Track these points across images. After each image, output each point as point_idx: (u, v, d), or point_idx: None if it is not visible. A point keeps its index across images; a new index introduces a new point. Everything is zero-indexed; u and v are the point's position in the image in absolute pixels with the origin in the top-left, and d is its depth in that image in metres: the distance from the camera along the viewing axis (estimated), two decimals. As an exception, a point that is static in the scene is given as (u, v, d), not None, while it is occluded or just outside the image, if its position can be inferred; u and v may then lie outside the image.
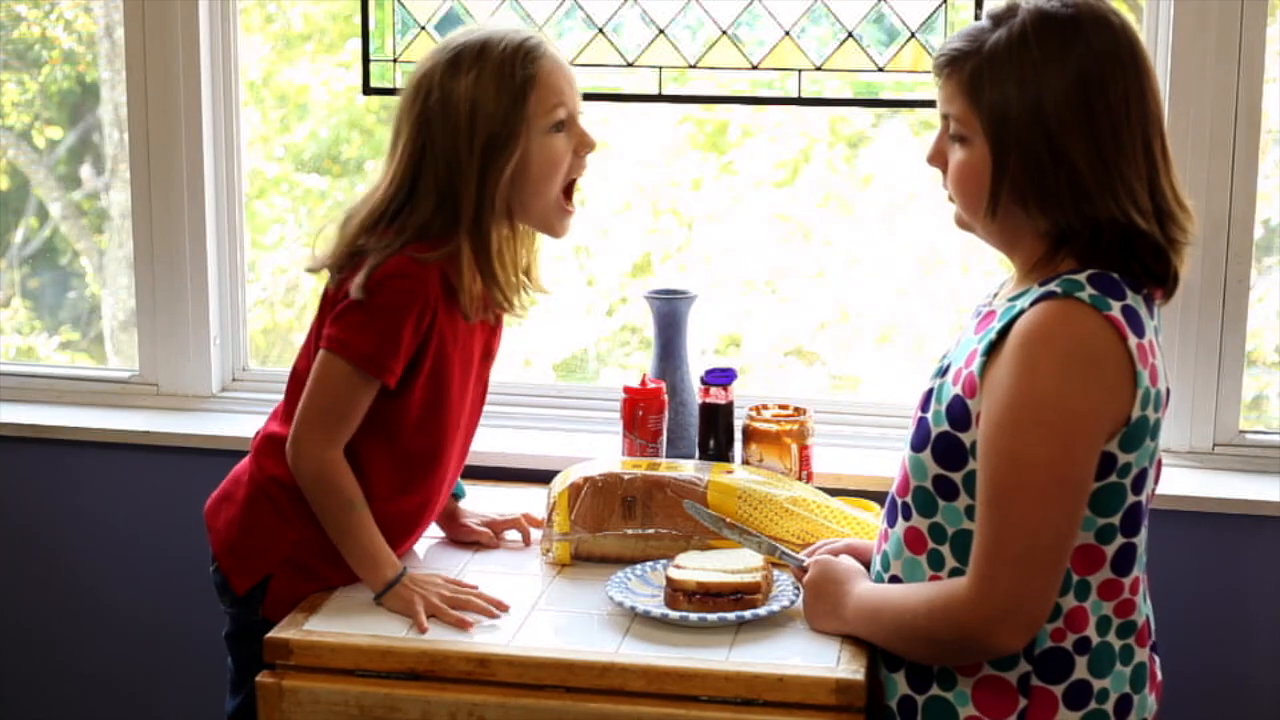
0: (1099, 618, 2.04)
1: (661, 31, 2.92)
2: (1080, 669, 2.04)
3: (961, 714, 2.06)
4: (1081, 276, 1.98)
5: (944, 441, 2.04)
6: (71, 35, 3.35)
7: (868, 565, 2.26)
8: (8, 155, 3.42)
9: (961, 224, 2.11)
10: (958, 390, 2.03)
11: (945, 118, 2.05)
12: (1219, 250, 2.82)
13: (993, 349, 1.99)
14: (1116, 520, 2.01)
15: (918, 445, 2.08)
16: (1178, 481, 2.81)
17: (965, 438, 2.01)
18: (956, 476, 2.03)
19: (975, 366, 2.00)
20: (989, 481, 1.96)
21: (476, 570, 2.47)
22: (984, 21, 2.03)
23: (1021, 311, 1.97)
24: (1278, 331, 3.03)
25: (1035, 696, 2.04)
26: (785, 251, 3.25)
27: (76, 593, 3.23)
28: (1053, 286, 1.97)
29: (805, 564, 2.29)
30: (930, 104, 2.89)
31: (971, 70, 1.99)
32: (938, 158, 2.08)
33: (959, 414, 2.02)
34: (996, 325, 2.00)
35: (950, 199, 2.10)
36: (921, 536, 2.09)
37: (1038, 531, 1.94)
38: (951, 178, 2.06)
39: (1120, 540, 2.02)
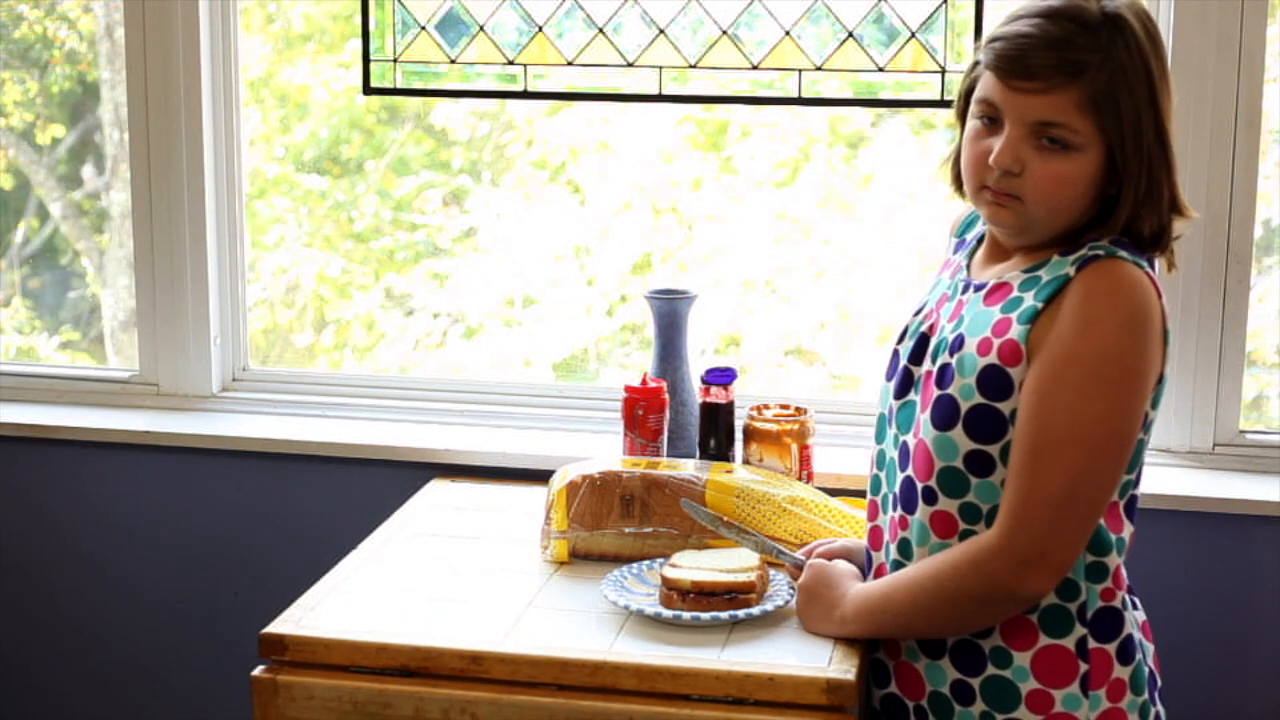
0: (1126, 571, 2.12)
1: (662, 31, 2.92)
2: (1128, 625, 2.09)
3: (1024, 689, 2.07)
4: (1105, 241, 2.03)
5: (977, 413, 2.04)
6: (72, 35, 3.36)
7: (862, 567, 2.26)
8: (8, 155, 3.42)
9: (1015, 226, 2.06)
10: (991, 360, 2.02)
11: (1042, 124, 2.00)
12: (1219, 250, 2.81)
13: (1036, 316, 2.00)
14: (1135, 475, 2.08)
15: (943, 423, 2.07)
16: (1178, 481, 2.81)
17: (1004, 407, 2.02)
18: (994, 449, 2.04)
19: (1016, 335, 2.01)
20: (1037, 432, 1.98)
21: (473, 568, 2.47)
22: (1053, 22, 1.99)
23: (1067, 278, 1.99)
24: (1278, 331, 3.02)
25: (1093, 659, 2.07)
26: (785, 251, 3.24)
27: (76, 592, 3.23)
28: (1094, 251, 2.01)
29: (803, 564, 2.29)
30: (930, 104, 2.89)
31: (1104, 83, 1.98)
32: (1017, 163, 2.02)
33: (997, 383, 2.02)
34: (1029, 295, 2.02)
35: (1002, 200, 2.05)
36: (951, 519, 2.09)
37: (1080, 482, 1.98)
38: (1043, 186, 2.02)
39: (1131, 492, 2.09)
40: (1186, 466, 2.87)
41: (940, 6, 2.83)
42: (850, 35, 2.86)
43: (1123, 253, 2.01)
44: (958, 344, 2.08)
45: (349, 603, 2.32)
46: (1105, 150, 2.01)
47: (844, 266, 3.26)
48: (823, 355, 3.28)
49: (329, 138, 3.36)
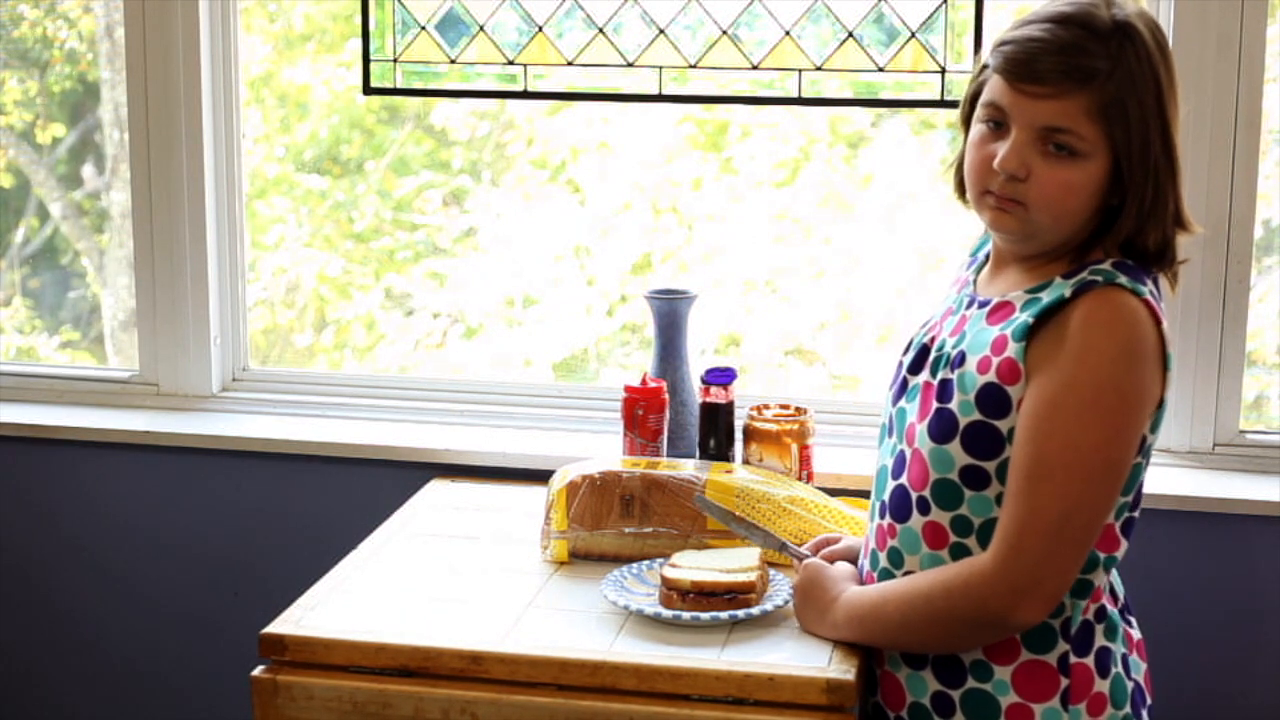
0: (1111, 585, 2.12)
1: (661, 31, 2.92)
2: (1100, 636, 2.08)
3: (1004, 703, 2.07)
4: (1108, 265, 2.02)
5: (975, 430, 2.03)
6: (72, 35, 3.36)
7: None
8: (8, 155, 3.42)
9: (1018, 233, 2.05)
10: (990, 378, 2.02)
11: (1050, 130, 1.99)
12: (1219, 250, 2.81)
13: (1030, 334, 1.99)
14: (1131, 498, 2.07)
15: (941, 437, 2.06)
16: (1178, 481, 2.81)
17: (1002, 425, 2.02)
18: (990, 465, 2.03)
19: (1013, 353, 2.00)
20: (1034, 458, 1.97)
21: (473, 568, 2.47)
22: (1064, 27, 1.98)
23: (1062, 299, 1.99)
24: (1278, 331, 3.02)
25: (1075, 673, 2.06)
26: (785, 251, 3.25)
27: (76, 592, 3.23)
28: (1094, 276, 1.99)
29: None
30: (930, 104, 2.88)
31: (1113, 91, 1.97)
32: (1023, 168, 2.00)
33: (995, 401, 2.02)
34: (1026, 314, 2.01)
35: (1005, 205, 2.03)
36: (943, 530, 2.08)
37: (1076, 509, 1.97)
38: (1048, 192, 2.01)
39: (1127, 514, 2.08)
40: (1186, 466, 2.87)
41: (940, 6, 2.83)
42: (850, 35, 2.86)
43: (1123, 278, 1.99)
44: (959, 360, 2.08)
45: (349, 603, 2.32)
46: (1111, 159, 2.00)
47: (844, 266, 3.26)
48: (823, 355, 3.28)
49: (329, 138, 3.36)
